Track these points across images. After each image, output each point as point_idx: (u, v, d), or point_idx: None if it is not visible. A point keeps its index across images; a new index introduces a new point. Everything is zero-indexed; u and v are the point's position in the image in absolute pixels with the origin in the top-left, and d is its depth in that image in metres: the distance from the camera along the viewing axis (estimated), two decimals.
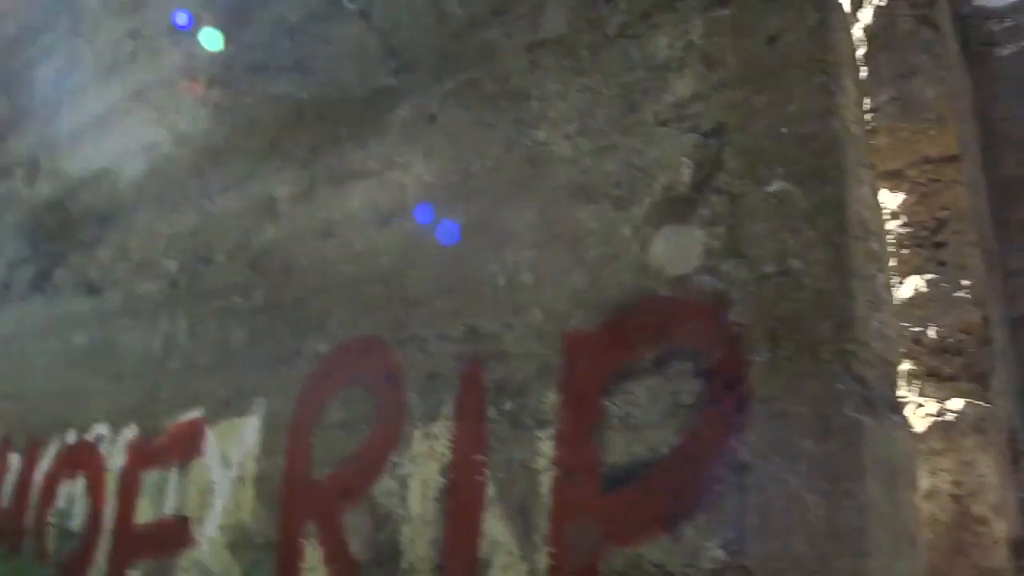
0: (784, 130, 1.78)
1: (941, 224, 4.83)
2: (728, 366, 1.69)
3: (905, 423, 1.79)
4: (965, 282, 4.62)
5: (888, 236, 4.96)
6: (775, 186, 1.76)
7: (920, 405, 4.20)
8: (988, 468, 4.00)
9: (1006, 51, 6.25)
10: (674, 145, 1.92)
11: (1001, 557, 3.96)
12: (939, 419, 4.09)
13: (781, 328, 1.66)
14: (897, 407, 1.77)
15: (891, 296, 1.91)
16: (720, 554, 1.61)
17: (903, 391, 4.52)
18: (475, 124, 2.31)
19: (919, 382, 4.58)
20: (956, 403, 4.15)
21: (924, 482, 4.04)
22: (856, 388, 1.59)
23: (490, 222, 2.18)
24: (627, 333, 1.86)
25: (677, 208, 1.87)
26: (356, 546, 2.16)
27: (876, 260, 1.82)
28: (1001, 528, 3.99)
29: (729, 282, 1.75)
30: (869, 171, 1.88)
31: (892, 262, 4.89)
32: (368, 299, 2.37)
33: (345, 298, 2.43)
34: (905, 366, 4.66)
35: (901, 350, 4.66)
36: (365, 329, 2.35)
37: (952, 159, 4.91)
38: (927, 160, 4.91)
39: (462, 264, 2.20)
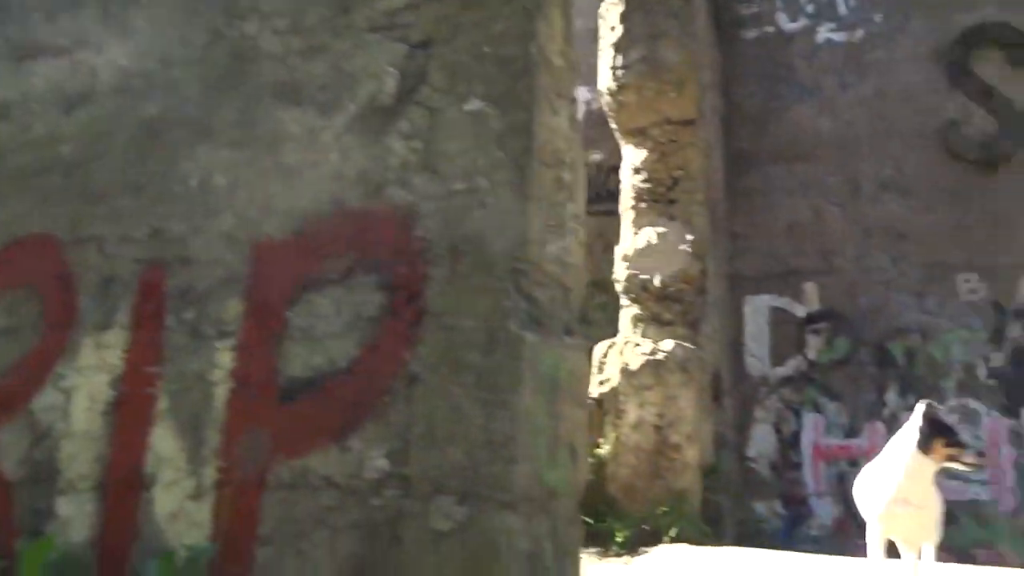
0: (486, 49, 1.77)
1: (675, 182, 5.26)
2: (410, 280, 1.69)
3: (578, 345, 1.89)
4: (689, 237, 5.10)
5: (630, 190, 5.31)
6: (472, 105, 1.76)
7: (638, 345, 4.59)
8: (687, 402, 4.49)
9: (751, 34, 6.88)
10: (382, 53, 1.85)
11: (690, 479, 4.49)
12: (651, 358, 4.51)
13: (462, 245, 1.68)
14: (572, 329, 1.87)
15: (581, 227, 2.00)
16: (384, 464, 1.62)
17: (630, 333, 4.92)
18: (180, 9, 2.09)
19: (643, 325, 5.01)
20: (667, 344, 4.60)
21: (633, 414, 4.44)
22: (524, 306, 1.65)
23: (187, 117, 2.00)
24: (317, 243, 1.79)
25: (379, 118, 1.82)
26: (9, 464, 1.93)
27: (566, 189, 1.89)
28: (692, 455, 4.51)
29: (419, 197, 1.73)
30: (569, 103, 1.94)
31: (631, 215, 5.27)
32: (44, 191, 2.09)
33: (16, 189, 2.12)
34: (634, 310, 5.07)
35: (631, 295, 5.07)
36: (38, 224, 2.07)
37: (689, 123, 5.34)
38: (668, 121, 5.30)
39: (153, 160, 2.00)
